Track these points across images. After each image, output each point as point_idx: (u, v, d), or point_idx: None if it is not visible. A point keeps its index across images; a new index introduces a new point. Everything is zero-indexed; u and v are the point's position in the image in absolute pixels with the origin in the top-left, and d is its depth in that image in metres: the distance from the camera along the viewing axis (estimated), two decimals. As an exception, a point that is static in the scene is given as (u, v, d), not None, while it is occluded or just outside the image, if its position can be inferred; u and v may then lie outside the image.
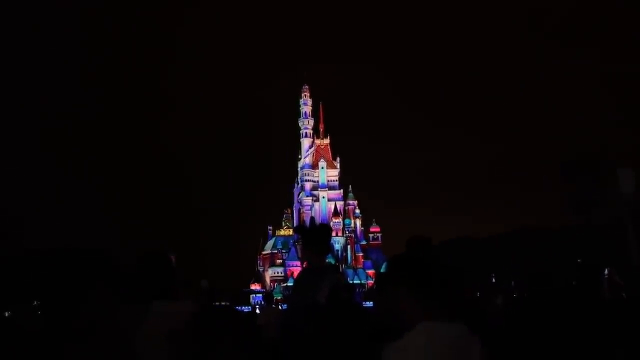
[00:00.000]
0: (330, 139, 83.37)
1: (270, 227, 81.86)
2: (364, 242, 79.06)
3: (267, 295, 11.08)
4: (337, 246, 73.27)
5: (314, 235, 3.96)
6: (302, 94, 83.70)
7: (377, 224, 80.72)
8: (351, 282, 56.78)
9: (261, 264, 78.49)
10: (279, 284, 71.47)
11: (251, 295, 69.18)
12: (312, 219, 61.76)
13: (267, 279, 75.05)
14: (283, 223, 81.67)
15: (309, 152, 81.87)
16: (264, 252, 79.41)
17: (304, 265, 4.40)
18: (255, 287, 72.95)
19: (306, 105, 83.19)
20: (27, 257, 35.42)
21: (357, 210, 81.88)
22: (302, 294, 4.02)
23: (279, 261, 75.18)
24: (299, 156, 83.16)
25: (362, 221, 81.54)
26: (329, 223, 75.55)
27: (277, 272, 73.87)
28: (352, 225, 78.35)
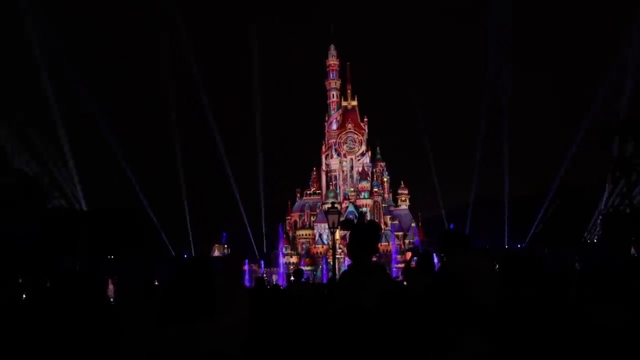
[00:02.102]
0: (357, 100, 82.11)
1: (298, 190, 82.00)
2: (391, 204, 78.76)
3: (297, 271, 10.86)
4: (365, 209, 73.20)
5: (363, 235, 3.62)
6: (329, 54, 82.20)
7: (405, 185, 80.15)
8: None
9: (289, 227, 79.19)
10: (308, 245, 72.69)
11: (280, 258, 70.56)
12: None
13: (296, 242, 75.88)
14: (310, 185, 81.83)
15: (335, 113, 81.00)
16: (292, 214, 79.95)
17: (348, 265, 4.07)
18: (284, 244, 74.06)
19: (332, 65, 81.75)
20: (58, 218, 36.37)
21: (385, 172, 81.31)
22: (347, 295, 3.71)
23: (306, 224, 75.92)
24: (326, 117, 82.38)
25: (389, 183, 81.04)
26: (357, 187, 75.55)
27: (306, 235, 74.75)
28: (380, 187, 77.90)
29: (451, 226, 58.83)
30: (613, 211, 36.40)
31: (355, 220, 3.90)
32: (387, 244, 70.43)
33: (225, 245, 66.95)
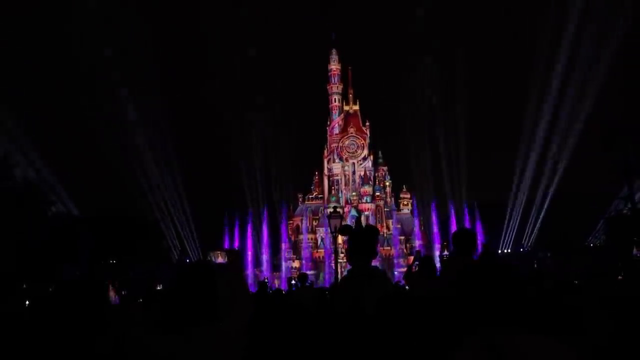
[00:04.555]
0: (359, 104, 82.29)
1: (301, 195, 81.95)
2: (394, 208, 78.71)
3: (301, 275, 10.88)
4: (367, 213, 73.20)
5: (362, 239, 3.65)
6: (330, 58, 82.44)
7: (407, 190, 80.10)
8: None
9: (291, 231, 79.16)
10: (310, 249, 72.68)
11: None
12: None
13: (298, 246, 75.87)
14: (312, 189, 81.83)
15: (337, 118, 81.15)
16: (294, 218, 79.90)
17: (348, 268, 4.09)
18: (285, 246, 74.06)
19: (334, 69, 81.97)
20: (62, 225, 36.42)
21: (388, 176, 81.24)
22: (346, 300, 3.73)
23: (308, 228, 75.91)
24: (328, 122, 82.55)
25: (392, 187, 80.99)
26: (359, 191, 75.63)
27: (308, 239, 74.71)
28: (382, 191, 77.86)
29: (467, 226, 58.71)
30: (615, 215, 36.33)
31: (353, 226, 3.93)
32: (389, 248, 70.39)
33: (227, 251, 66.74)
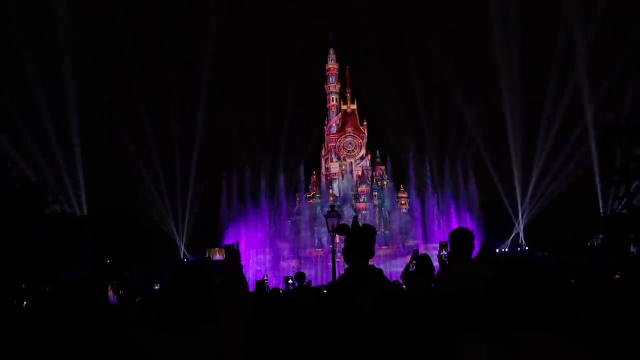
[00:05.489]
0: (357, 104, 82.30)
1: (299, 194, 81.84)
2: (392, 208, 78.71)
3: (299, 275, 10.86)
4: (365, 212, 73.20)
5: (360, 238, 3.66)
6: (328, 58, 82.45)
7: (404, 189, 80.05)
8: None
9: (289, 231, 79.11)
10: (308, 249, 72.62)
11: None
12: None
13: (296, 245, 75.82)
14: (310, 189, 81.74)
15: (335, 117, 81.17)
16: (292, 217, 79.88)
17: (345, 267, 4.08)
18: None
19: (332, 69, 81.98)
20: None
21: (385, 175, 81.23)
22: (343, 299, 3.74)
23: (306, 227, 75.87)
24: (326, 122, 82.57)
25: (389, 186, 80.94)
26: (357, 190, 75.61)
27: (306, 238, 74.68)
28: (380, 191, 77.92)
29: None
30: (612, 214, 36.45)
31: (350, 225, 3.94)
32: (386, 247, 70.33)
33: (226, 249, 66.52)
